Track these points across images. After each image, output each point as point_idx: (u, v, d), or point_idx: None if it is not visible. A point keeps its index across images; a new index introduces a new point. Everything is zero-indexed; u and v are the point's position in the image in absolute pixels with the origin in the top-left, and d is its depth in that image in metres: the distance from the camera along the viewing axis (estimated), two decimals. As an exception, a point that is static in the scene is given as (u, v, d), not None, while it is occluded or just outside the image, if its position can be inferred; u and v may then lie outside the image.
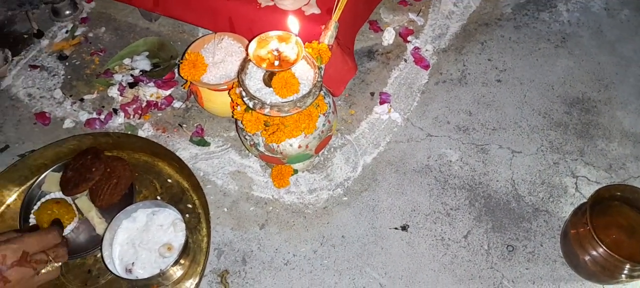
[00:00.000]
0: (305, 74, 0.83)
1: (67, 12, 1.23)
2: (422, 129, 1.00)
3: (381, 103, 1.04)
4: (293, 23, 0.93)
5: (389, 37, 1.12)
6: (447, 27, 1.15)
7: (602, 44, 1.11)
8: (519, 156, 0.95)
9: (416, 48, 1.11)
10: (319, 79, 0.80)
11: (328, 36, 0.92)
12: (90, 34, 1.20)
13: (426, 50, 1.11)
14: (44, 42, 1.19)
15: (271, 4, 0.99)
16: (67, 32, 1.21)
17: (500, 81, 1.06)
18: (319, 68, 0.83)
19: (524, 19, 1.16)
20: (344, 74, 1.03)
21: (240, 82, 0.82)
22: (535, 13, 1.17)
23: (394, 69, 1.09)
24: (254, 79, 0.82)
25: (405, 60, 1.10)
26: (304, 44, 0.87)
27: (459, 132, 0.99)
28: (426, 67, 1.08)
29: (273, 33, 0.80)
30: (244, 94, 0.81)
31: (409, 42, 1.12)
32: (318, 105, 0.85)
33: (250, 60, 0.78)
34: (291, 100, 0.78)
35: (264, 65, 0.78)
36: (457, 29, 1.14)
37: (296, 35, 0.80)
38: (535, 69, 1.07)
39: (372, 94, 1.06)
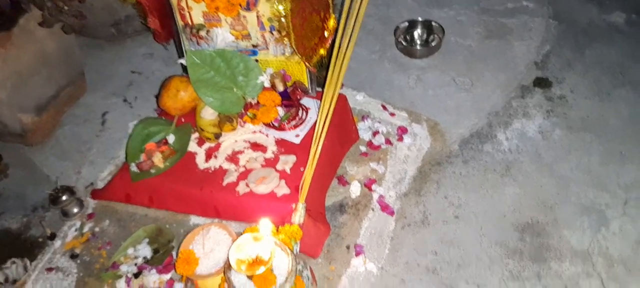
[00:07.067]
0: (281, 261, 0.96)
1: (75, 210, 1.39)
2: (395, 276, 1.11)
3: (357, 255, 1.16)
4: (265, 224, 1.03)
5: (355, 189, 1.27)
6: (405, 171, 1.30)
7: (541, 167, 1.26)
8: (484, 289, 1.06)
9: (381, 196, 1.25)
10: (293, 266, 0.94)
11: (298, 216, 1.07)
12: (97, 229, 1.35)
13: (390, 196, 1.25)
14: (57, 243, 1.34)
15: (248, 190, 1.15)
16: (76, 230, 1.37)
17: (458, 217, 1.19)
18: (293, 251, 0.97)
19: (470, 152, 1.32)
20: (318, 238, 1.16)
21: (226, 279, 0.95)
22: (479, 146, 1.33)
23: (364, 219, 1.22)
24: (239, 275, 0.95)
25: (373, 210, 1.24)
26: (278, 227, 1.02)
27: (428, 274, 1.10)
28: (392, 213, 1.22)
29: (247, 236, 0.94)
30: (231, 289, 0.94)
31: (373, 191, 1.27)
32: (296, 285, 0.97)
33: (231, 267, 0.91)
34: (272, 292, 0.91)
35: (244, 267, 0.91)
36: (414, 171, 1.30)
37: (267, 234, 0.94)
38: (486, 201, 1.21)
39: (348, 247, 1.18)
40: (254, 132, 1.26)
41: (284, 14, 1.13)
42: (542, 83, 1.49)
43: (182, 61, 1.33)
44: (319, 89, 1.31)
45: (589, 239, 1.12)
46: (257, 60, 1.30)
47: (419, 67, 1.60)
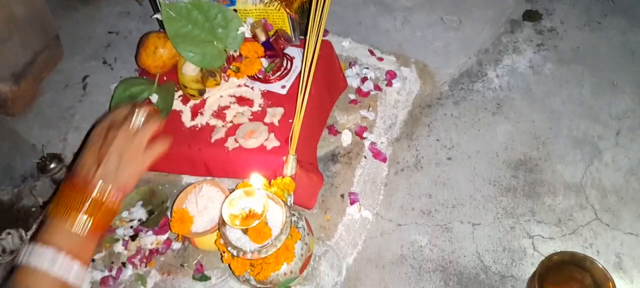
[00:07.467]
0: (275, 214, 0.95)
1: (65, 178, 1.38)
2: (391, 221, 1.12)
3: (351, 203, 1.16)
4: (256, 178, 0.99)
5: (346, 138, 1.25)
6: (395, 116, 1.28)
7: (532, 102, 1.24)
8: (479, 228, 1.07)
9: (372, 143, 1.24)
10: (287, 218, 0.93)
11: (289, 168, 1.06)
12: (88, 195, 1.34)
13: (381, 143, 1.24)
14: (50, 211, 1.34)
15: (237, 146, 1.13)
16: (67, 197, 1.35)
17: (451, 159, 1.18)
18: (287, 203, 0.96)
19: (461, 93, 1.30)
20: (312, 189, 1.15)
21: (222, 235, 0.95)
22: (469, 85, 1.31)
23: (357, 168, 1.21)
24: (234, 230, 0.95)
25: (365, 157, 1.23)
26: (270, 181, 1.01)
27: (423, 216, 1.11)
28: (384, 159, 1.21)
29: (239, 192, 0.93)
30: (227, 244, 0.94)
31: (365, 138, 1.25)
32: (292, 236, 0.97)
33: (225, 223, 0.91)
34: (268, 244, 0.91)
35: (237, 222, 0.91)
36: (405, 116, 1.28)
37: (259, 188, 0.93)
38: (478, 140, 1.20)
39: (342, 195, 1.18)
40: (239, 85, 1.23)
41: (261, -42, 1.07)
42: (531, 16, 1.45)
43: (158, 16, 1.27)
44: (303, 37, 1.27)
45: (582, 172, 1.13)
46: (235, 10, 1.25)
47: (405, 7, 1.55)
